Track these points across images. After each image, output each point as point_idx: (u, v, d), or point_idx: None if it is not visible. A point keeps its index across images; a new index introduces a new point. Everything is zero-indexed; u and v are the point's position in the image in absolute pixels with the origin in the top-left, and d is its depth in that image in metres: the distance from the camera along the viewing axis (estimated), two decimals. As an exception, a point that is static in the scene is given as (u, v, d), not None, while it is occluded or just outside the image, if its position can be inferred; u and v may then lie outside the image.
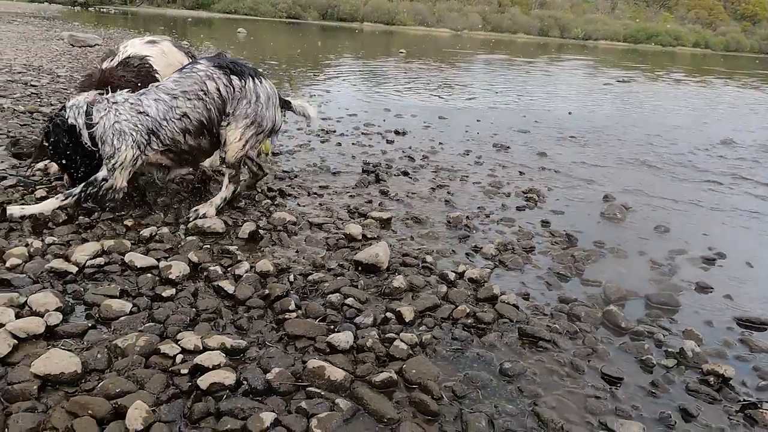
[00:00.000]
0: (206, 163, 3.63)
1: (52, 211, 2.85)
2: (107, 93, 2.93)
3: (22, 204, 2.98)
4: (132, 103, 2.86)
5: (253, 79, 3.06)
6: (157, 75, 3.56)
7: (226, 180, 3.15)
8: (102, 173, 2.90)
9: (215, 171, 3.83)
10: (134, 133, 2.84)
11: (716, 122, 9.32)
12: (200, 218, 2.99)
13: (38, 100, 6.14)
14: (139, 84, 3.36)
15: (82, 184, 2.90)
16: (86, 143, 2.88)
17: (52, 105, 5.93)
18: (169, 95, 2.90)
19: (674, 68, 27.20)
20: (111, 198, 2.94)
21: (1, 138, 4.42)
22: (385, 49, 27.06)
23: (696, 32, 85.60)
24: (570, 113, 8.72)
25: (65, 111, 2.89)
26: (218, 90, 2.96)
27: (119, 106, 2.85)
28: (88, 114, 2.83)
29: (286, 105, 3.32)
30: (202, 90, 2.93)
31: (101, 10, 48.93)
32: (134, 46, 3.61)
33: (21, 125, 4.93)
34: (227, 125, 3.03)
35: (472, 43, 44.35)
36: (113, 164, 2.86)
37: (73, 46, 12.79)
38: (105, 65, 3.47)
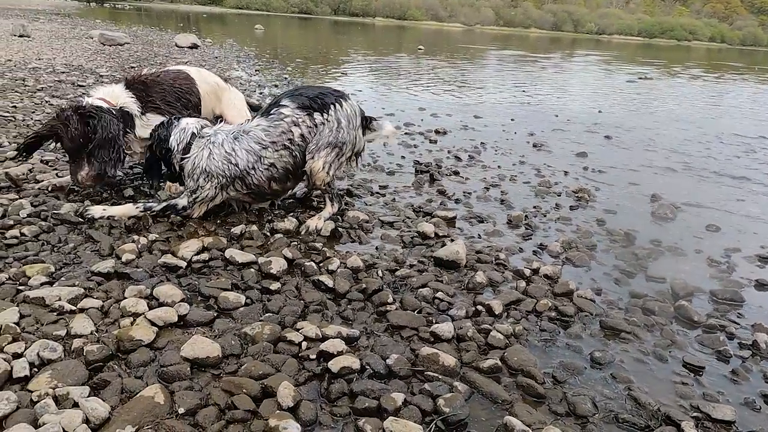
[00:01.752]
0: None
1: (127, 218, 3.04)
2: (211, 124, 3.19)
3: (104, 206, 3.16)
4: (227, 152, 3.01)
5: (335, 105, 3.15)
6: (195, 84, 3.77)
7: (326, 199, 3.27)
8: (183, 202, 3.07)
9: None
10: (221, 178, 3.01)
11: (746, 121, 9.37)
12: (310, 232, 3.11)
13: (91, 100, 6.37)
14: (176, 88, 3.58)
15: (164, 205, 3.07)
16: (175, 168, 3.11)
17: None
18: (259, 145, 3.05)
19: (692, 64, 27.02)
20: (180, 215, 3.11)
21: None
22: (402, 45, 27.16)
23: (712, 26, 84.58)
24: (600, 112, 8.83)
25: (168, 128, 3.09)
26: (302, 135, 3.12)
27: (215, 148, 3.01)
28: (188, 144, 3.04)
29: (366, 123, 3.40)
30: (289, 139, 3.09)
31: (116, 6, 49.39)
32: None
33: (84, 126, 5.16)
34: (311, 158, 3.14)
35: (485, 38, 44.27)
36: (194, 198, 3.06)
37: (104, 44, 13.08)
38: (145, 71, 3.66)
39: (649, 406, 1.90)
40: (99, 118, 3.15)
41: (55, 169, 3.80)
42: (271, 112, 3.14)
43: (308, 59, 14.71)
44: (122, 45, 13.32)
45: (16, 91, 6.32)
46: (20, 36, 12.80)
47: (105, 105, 3.29)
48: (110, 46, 12.93)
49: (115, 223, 3.05)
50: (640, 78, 15.94)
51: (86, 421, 1.59)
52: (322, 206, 3.38)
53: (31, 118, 5.14)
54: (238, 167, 3.03)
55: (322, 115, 3.13)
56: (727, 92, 14.70)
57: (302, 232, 3.12)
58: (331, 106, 3.15)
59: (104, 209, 3.08)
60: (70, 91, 6.76)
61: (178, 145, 3.06)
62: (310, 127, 3.12)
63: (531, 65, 19.14)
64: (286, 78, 10.00)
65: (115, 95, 3.40)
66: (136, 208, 3.09)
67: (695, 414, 1.89)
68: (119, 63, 10.12)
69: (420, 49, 22.82)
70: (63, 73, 8.15)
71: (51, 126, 3.20)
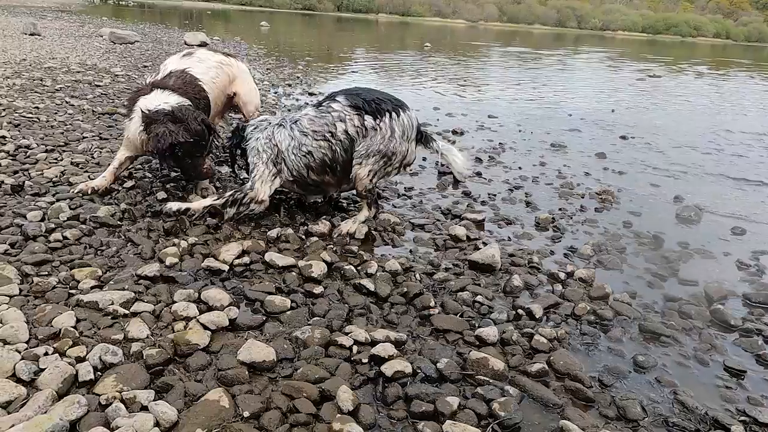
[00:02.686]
0: None
1: (201, 209, 3.14)
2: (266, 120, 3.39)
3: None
4: (268, 135, 3.23)
5: (391, 114, 3.11)
6: (199, 81, 3.74)
7: (364, 204, 3.28)
8: (245, 186, 3.20)
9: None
10: (266, 155, 3.18)
11: (762, 119, 9.38)
12: (342, 236, 3.14)
13: (110, 101, 6.42)
14: (185, 88, 3.56)
15: (230, 192, 3.18)
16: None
17: (125, 106, 6.19)
18: (301, 132, 3.16)
19: (698, 60, 26.94)
20: (253, 209, 3.19)
21: (95, 139, 4.70)
22: (407, 42, 27.14)
23: (717, 22, 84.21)
24: (613, 111, 8.85)
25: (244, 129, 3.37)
26: (346, 132, 3.11)
27: (262, 133, 3.24)
28: (247, 134, 3.32)
29: (424, 140, 3.31)
30: (330, 132, 3.12)
31: (119, 2, 49.40)
32: (173, 63, 3.80)
33: (107, 127, 5.21)
34: (358, 164, 3.14)
35: (489, 35, 44.17)
36: (253, 177, 3.18)
37: (115, 43, 13.11)
38: (149, 80, 3.63)
39: (696, 410, 1.94)
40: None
41: (86, 171, 3.84)
42: (323, 104, 3.21)
43: (316, 57, 14.73)
44: (132, 43, 13.35)
45: (36, 92, 6.36)
46: (31, 34, 12.84)
47: None
48: (121, 44, 12.97)
49: (153, 226, 3.10)
50: (649, 76, 15.92)
51: (157, 424, 1.63)
52: (352, 209, 3.42)
53: (55, 119, 5.19)
54: (279, 147, 3.16)
55: (375, 120, 3.10)
56: (737, 89, 14.68)
57: (335, 236, 3.15)
58: (387, 114, 3.10)
59: (180, 204, 3.15)
60: (88, 91, 6.80)
61: (245, 136, 3.33)
62: (358, 127, 3.10)
63: (538, 62, 19.12)
64: (298, 77, 10.03)
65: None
66: (210, 198, 3.20)
67: (743, 418, 1.93)
68: (132, 62, 10.16)
69: (427, 46, 22.80)
70: (78, 72, 8.19)
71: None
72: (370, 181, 3.19)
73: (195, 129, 3.19)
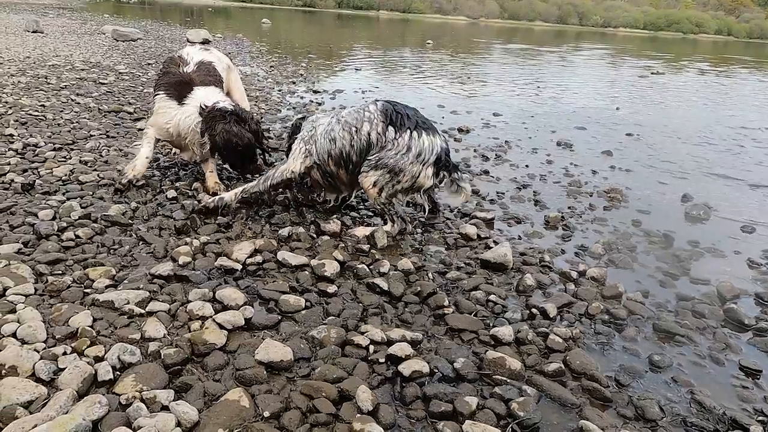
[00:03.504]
0: None
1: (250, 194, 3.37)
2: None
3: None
4: (312, 121, 3.45)
5: (412, 132, 3.06)
6: (218, 72, 4.02)
7: (386, 218, 3.24)
8: (283, 166, 3.42)
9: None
10: (305, 135, 3.39)
11: (765, 115, 9.37)
12: (357, 240, 3.11)
13: (115, 99, 6.41)
14: (210, 79, 3.82)
15: (273, 172, 3.41)
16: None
17: (131, 104, 6.20)
18: (336, 121, 3.28)
19: (700, 57, 26.88)
20: (288, 182, 3.40)
21: (102, 137, 4.70)
22: (409, 39, 27.09)
23: (718, 19, 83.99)
24: (617, 109, 8.83)
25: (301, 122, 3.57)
26: (368, 135, 3.12)
27: (307, 123, 3.47)
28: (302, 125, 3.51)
29: (446, 169, 3.14)
30: (355, 128, 3.16)
31: (120, 0, 49.26)
32: (197, 54, 3.99)
33: (114, 125, 5.21)
34: (365, 172, 3.12)
35: (490, 32, 44.09)
36: (292, 153, 3.40)
37: (117, 40, 13.10)
38: (184, 69, 3.81)
39: (714, 409, 1.94)
40: None
41: (95, 169, 3.84)
42: (362, 104, 3.33)
43: (319, 54, 14.70)
44: (135, 41, 13.34)
45: (41, 90, 6.36)
46: (33, 32, 12.82)
47: None
48: (124, 41, 12.95)
49: (164, 224, 3.10)
50: (652, 73, 15.89)
51: (179, 424, 1.63)
52: (362, 208, 3.41)
53: (61, 117, 5.18)
54: (316, 131, 3.34)
55: (396, 132, 3.07)
56: (740, 86, 14.65)
57: (346, 237, 3.14)
58: (408, 131, 3.06)
59: (232, 194, 3.33)
60: (93, 89, 6.80)
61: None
62: (379, 134, 3.10)
63: (540, 60, 19.08)
64: (302, 75, 10.01)
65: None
66: (257, 182, 3.39)
67: (761, 418, 1.93)
68: (135, 59, 10.15)
69: (428, 43, 22.76)
70: (83, 70, 8.18)
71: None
72: (378, 193, 3.12)
73: (254, 130, 3.51)
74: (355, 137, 3.16)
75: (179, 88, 3.64)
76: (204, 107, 3.47)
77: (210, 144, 3.48)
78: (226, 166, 3.82)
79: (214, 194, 3.51)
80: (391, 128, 3.09)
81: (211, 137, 3.44)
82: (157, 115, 3.67)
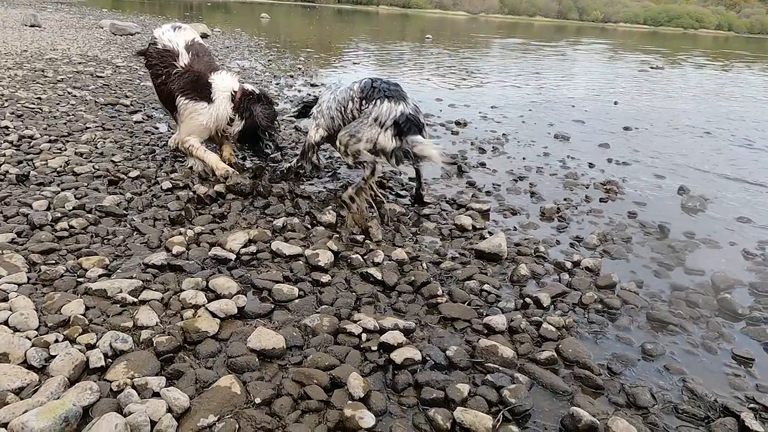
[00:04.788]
0: None
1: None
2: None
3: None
4: (320, 96, 3.93)
5: (376, 101, 3.26)
6: (203, 44, 4.04)
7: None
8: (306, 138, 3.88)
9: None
10: (316, 111, 3.82)
11: (761, 109, 9.36)
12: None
13: (112, 92, 6.39)
14: (207, 59, 3.89)
15: (302, 148, 3.92)
16: None
17: (127, 96, 6.18)
18: (334, 99, 3.62)
19: (699, 53, 26.82)
20: (308, 149, 3.82)
21: (98, 129, 4.69)
22: (408, 34, 26.99)
23: (719, 14, 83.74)
24: (616, 103, 8.81)
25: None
26: (352, 111, 3.45)
27: (322, 94, 3.92)
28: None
29: (409, 133, 3.20)
30: (344, 107, 3.51)
31: (119, -6, 49.00)
32: (177, 37, 3.87)
33: (110, 117, 5.19)
34: (338, 136, 3.40)
35: (490, 27, 43.93)
36: (309, 127, 3.85)
37: (115, 34, 13.05)
38: (183, 63, 3.75)
39: (705, 397, 1.95)
40: None
41: (91, 161, 3.83)
42: (351, 84, 3.57)
43: (318, 48, 14.65)
44: (133, 35, 13.28)
45: (38, 83, 6.34)
46: (31, 26, 12.77)
47: None
48: (121, 35, 12.90)
49: (159, 215, 3.09)
50: (651, 67, 15.85)
51: (169, 410, 1.64)
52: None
53: (57, 110, 5.17)
54: (321, 107, 3.75)
55: (367, 104, 3.33)
56: (739, 79, 14.61)
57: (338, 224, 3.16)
58: (376, 101, 3.26)
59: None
60: (90, 82, 6.78)
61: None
62: (358, 110, 3.40)
63: (539, 54, 19.03)
64: (300, 68, 9.98)
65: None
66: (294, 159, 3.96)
67: (752, 405, 1.93)
68: (133, 53, 10.10)
69: (428, 37, 22.69)
70: (80, 63, 8.15)
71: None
72: (345, 153, 3.35)
73: (276, 110, 3.87)
74: (343, 115, 3.51)
75: (198, 86, 3.63)
76: (234, 93, 3.64)
77: (245, 125, 3.66)
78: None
79: (229, 164, 3.78)
80: (364, 102, 3.35)
81: (249, 119, 3.63)
82: (191, 120, 3.66)
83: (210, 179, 3.68)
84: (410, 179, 4.05)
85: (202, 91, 3.61)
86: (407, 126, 3.20)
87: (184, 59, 3.75)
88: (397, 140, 3.20)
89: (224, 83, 3.65)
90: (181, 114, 3.67)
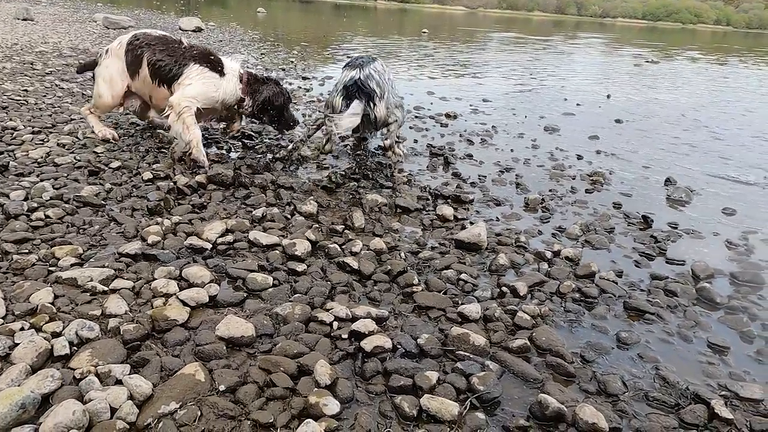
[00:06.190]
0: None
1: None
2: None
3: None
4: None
5: (343, 71, 3.84)
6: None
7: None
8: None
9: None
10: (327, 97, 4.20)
11: (755, 103, 9.34)
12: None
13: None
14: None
15: (318, 123, 4.22)
16: None
17: (207, 59, 6.10)
18: (339, 81, 3.92)
19: (696, 47, 26.77)
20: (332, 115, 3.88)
21: (83, 121, 4.65)
22: (405, 29, 26.90)
23: (717, 9, 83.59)
24: (608, 97, 8.78)
25: None
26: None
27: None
28: None
29: (357, 97, 3.70)
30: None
31: (115, -12, 48.71)
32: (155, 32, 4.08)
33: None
34: None
35: (488, 22, 43.82)
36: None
37: (108, 28, 12.97)
38: (188, 42, 4.03)
39: (677, 384, 1.93)
40: None
41: (72, 152, 3.80)
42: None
43: (312, 42, 14.59)
44: (126, 28, 13.20)
45: (25, 75, 6.29)
46: (24, 19, 12.69)
47: None
48: (115, 29, 12.83)
49: (137, 205, 3.07)
50: (647, 62, 15.81)
51: (131, 397, 1.62)
52: (340, 192, 3.40)
53: (43, 102, 5.13)
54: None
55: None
56: (734, 73, 14.58)
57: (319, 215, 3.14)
58: (342, 72, 3.85)
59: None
60: (78, 74, 6.72)
61: None
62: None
63: (536, 48, 18.97)
64: (293, 62, 9.93)
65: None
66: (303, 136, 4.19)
67: (723, 393, 1.92)
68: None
69: (424, 32, 22.61)
70: (70, 56, 8.10)
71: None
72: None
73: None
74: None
75: (211, 60, 3.82)
76: (242, 74, 3.90)
77: (255, 106, 3.96)
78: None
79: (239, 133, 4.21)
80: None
81: (263, 101, 3.92)
82: (201, 84, 3.74)
83: (190, 171, 3.65)
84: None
85: (215, 64, 3.81)
86: (354, 90, 3.65)
87: (186, 42, 3.99)
88: (344, 102, 3.66)
89: (233, 65, 3.90)
90: (190, 77, 3.74)
